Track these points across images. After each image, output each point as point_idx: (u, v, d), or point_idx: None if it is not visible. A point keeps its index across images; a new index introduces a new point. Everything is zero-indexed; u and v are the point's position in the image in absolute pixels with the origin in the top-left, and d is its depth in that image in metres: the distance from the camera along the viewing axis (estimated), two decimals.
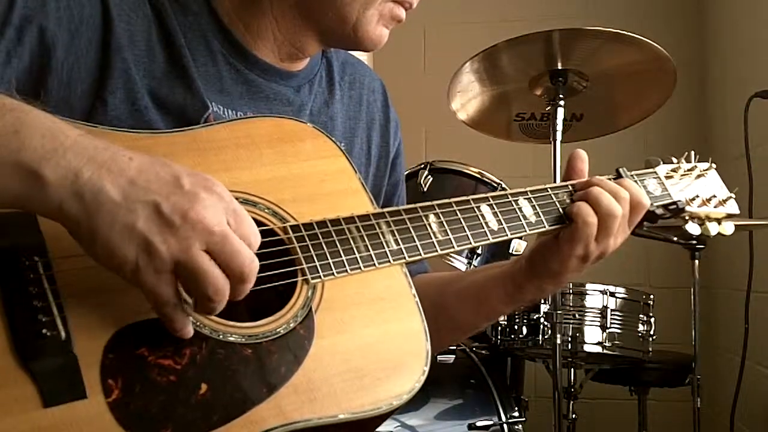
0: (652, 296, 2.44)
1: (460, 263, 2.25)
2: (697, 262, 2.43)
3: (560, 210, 1.06)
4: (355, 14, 1.04)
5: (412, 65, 3.89)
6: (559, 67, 2.22)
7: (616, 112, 2.53)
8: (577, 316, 2.30)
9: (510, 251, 2.33)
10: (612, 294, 2.33)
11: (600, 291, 2.33)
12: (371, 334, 0.88)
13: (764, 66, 2.90)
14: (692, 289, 2.44)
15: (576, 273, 1.07)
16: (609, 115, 2.52)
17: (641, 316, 2.38)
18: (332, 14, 1.05)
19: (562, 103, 2.25)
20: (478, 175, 2.36)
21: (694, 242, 2.35)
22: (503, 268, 1.13)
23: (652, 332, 2.38)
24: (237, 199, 0.88)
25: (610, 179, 1.11)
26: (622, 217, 1.03)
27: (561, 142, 2.26)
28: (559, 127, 2.26)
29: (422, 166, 2.37)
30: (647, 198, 1.08)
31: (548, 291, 1.11)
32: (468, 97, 2.45)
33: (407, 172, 2.36)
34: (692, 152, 1.23)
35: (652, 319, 2.40)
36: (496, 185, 2.34)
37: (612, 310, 2.32)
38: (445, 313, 0.96)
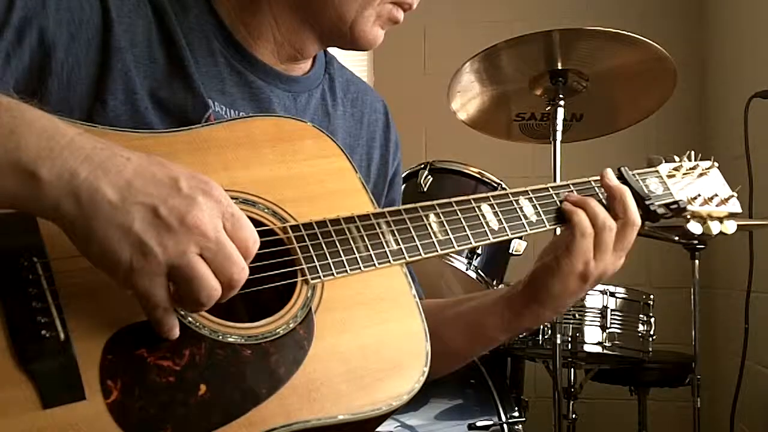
0: (652, 296, 2.44)
1: (460, 263, 2.25)
2: (697, 262, 2.43)
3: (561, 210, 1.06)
4: (353, 13, 1.05)
5: (412, 65, 3.89)
6: (559, 67, 2.21)
7: (616, 112, 2.52)
8: (577, 316, 2.31)
9: (510, 251, 2.33)
10: (612, 294, 2.34)
11: (600, 291, 2.33)
12: (371, 334, 0.88)
13: (764, 66, 2.90)
14: (692, 289, 2.44)
15: (575, 297, 1.06)
16: (609, 115, 2.52)
17: (641, 316, 2.38)
18: (331, 12, 1.05)
19: (562, 103, 2.25)
20: (478, 175, 2.35)
21: (695, 242, 2.35)
22: (499, 295, 1.12)
23: (652, 332, 2.39)
24: (236, 198, 0.88)
25: None
26: (623, 233, 1.04)
27: (561, 142, 2.26)
28: (559, 127, 2.26)
29: (422, 166, 2.36)
30: (638, 218, 1.07)
31: (545, 318, 1.09)
32: (468, 97, 2.45)
33: (407, 172, 2.36)
34: (692, 152, 1.23)
35: (652, 319, 2.40)
36: (496, 185, 2.34)
37: (612, 310, 2.32)
38: (438, 341, 0.95)
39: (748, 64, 3.12)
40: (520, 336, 2.32)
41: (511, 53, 2.22)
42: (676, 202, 1.14)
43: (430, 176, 2.33)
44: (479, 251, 2.27)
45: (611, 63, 2.21)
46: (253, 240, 0.76)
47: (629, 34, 2.10)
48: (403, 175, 1.40)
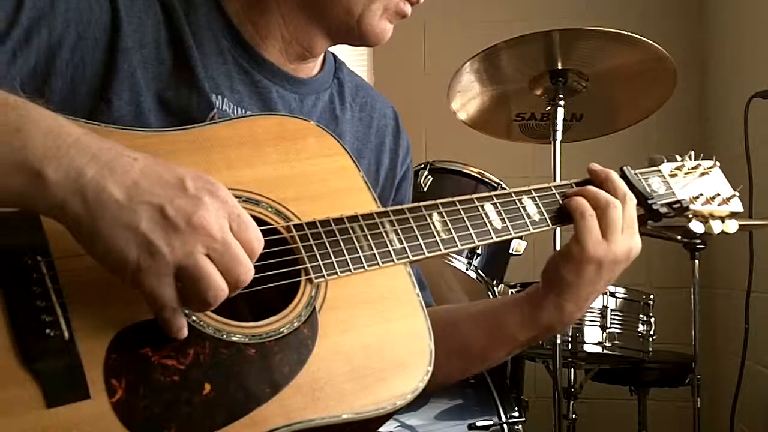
0: (652, 296, 2.44)
1: (460, 263, 2.25)
2: (697, 262, 2.43)
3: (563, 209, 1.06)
4: (360, 7, 1.05)
5: (412, 65, 3.89)
6: (559, 67, 2.22)
7: (616, 112, 2.53)
8: None
9: (510, 251, 2.33)
10: (612, 294, 2.34)
11: None
12: (375, 333, 0.87)
13: (764, 66, 2.90)
14: (692, 289, 2.44)
15: (595, 288, 1.03)
16: (609, 115, 2.52)
17: (641, 316, 2.38)
18: (338, 7, 1.05)
19: (562, 103, 2.25)
20: (478, 175, 2.35)
21: (696, 241, 2.35)
22: (520, 293, 1.11)
23: (652, 332, 2.39)
24: (240, 197, 0.88)
25: None
26: (622, 210, 1.02)
27: (561, 142, 2.26)
28: (559, 127, 2.26)
29: (422, 166, 2.37)
30: (629, 191, 1.06)
31: (568, 311, 1.05)
32: (468, 97, 2.45)
33: None
34: (692, 152, 1.23)
35: (652, 319, 2.40)
36: (496, 185, 2.34)
37: (612, 310, 2.32)
38: (455, 337, 0.91)
39: (748, 64, 3.12)
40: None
41: (511, 53, 2.23)
42: (678, 201, 1.15)
43: (430, 176, 2.33)
44: (479, 251, 2.27)
45: (611, 63, 2.21)
46: (258, 240, 0.77)
47: (629, 34, 2.10)
48: None
